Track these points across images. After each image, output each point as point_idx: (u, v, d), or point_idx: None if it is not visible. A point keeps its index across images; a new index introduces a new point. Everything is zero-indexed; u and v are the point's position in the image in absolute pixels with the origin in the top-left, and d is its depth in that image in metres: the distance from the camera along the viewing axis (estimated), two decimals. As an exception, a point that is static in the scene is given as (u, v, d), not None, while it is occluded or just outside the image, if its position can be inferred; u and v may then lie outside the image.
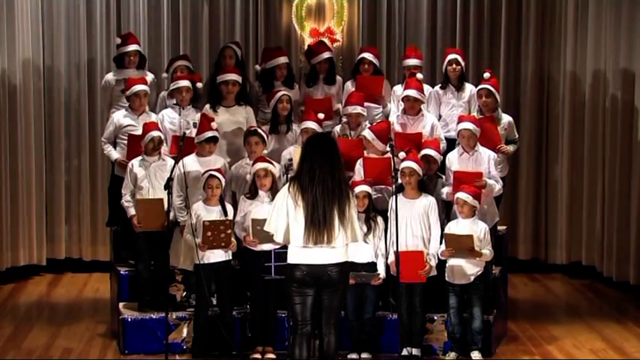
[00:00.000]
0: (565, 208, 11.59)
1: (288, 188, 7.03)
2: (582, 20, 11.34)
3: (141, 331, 8.72)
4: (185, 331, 8.75)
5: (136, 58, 9.99)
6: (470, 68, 11.24)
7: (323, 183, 6.93)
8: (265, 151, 9.02)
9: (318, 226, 6.92)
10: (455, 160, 8.95)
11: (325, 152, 7.03)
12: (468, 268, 8.51)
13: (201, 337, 8.60)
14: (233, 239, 8.49)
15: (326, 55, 10.10)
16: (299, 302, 7.08)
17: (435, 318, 8.79)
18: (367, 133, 8.98)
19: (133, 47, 9.98)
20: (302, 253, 7.01)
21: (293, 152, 9.04)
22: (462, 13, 11.52)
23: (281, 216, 7.00)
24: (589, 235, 11.47)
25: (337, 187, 6.97)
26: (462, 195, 8.51)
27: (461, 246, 8.39)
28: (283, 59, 10.04)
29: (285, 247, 7.17)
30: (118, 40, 10.19)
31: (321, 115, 9.27)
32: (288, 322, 8.25)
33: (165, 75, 10.21)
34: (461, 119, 9.05)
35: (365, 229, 8.46)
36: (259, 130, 9.04)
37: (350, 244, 7.05)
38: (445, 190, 8.86)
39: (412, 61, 9.98)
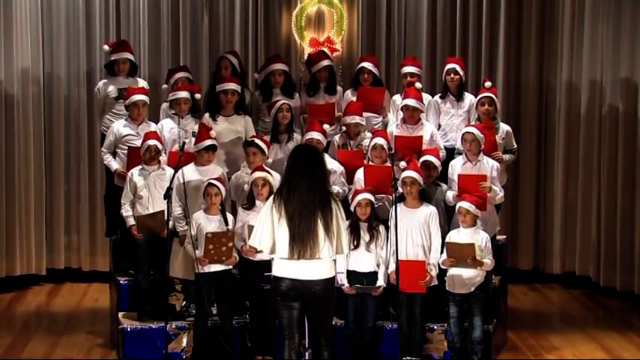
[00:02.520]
0: (559, 217, 11.62)
1: (273, 199, 7.02)
2: (578, 30, 11.39)
3: (140, 340, 8.71)
4: (185, 340, 8.74)
5: (125, 65, 9.99)
6: (469, 78, 11.26)
7: (306, 195, 6.90)
8: (269, 160, 9.04)
9: (301, 240, 6.90)
10: (458, 169, 8.98)
11: (309, 164, 7.01)
12: (469, 278, 8.51)
13: (201, 347, 8.61)
14: (234, 253, 8.49)
15: (325, 62, 10.11)
16: (285, 315, 7.10)
17: (435, 327, 8.78)
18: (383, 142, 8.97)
19: (122, 55, 9.98)
20: (286, 267, 7.00)
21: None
22: (462, 23, 11.54)
23: (266, 229, 6.98)
24: (583, 245, 11.48)
25: (321, 200, 6.93)
26: (464, 204, 8.52)
27: (462, 255, 8.38)
28: (278, 66, 10.05)
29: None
30: (106, 48, 10.22)
31: (326, 126, 9.29)
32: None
33: (165, 86, 10.21)
34: (466, 126, 9.13)
35: (367, 237, 8.47)
36: (256, 141, 9.01)
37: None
38: (450, 194, 8.87)
39: (409, 69, 9.96)
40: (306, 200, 6.89)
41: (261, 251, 7.17)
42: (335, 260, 7.09)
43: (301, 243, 6.88)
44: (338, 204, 7.10)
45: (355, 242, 8.47)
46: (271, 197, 7.10)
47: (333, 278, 7.15)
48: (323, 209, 6.92)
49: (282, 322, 7.12)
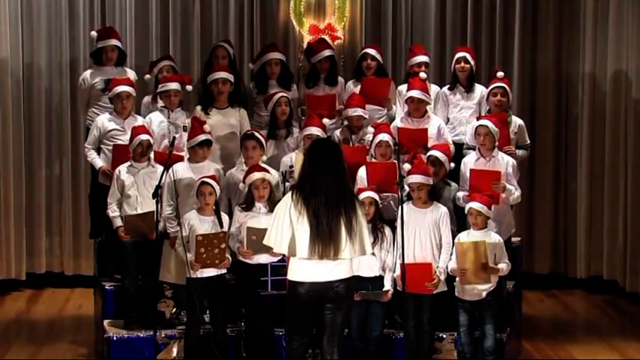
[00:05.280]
0: (584, 218, 11.63)
1: (291, 197, 7.04)
2: (602, 17, 11.42)
3: (127, 350, 8.73)
4: (175, 350, 8.75)
5: (114, 54, 10.00)
6: (482, 68, 11.21)
7: (327, 191, 6.95)
8: (264, 157, 9.02)
9: (323, 239, 6.94)
10: (471, 166, 8.93)
11: (329, 158, 7.06)
12: (480, 283, 8.48)
13: (192, 357, 8.59)
14: (227, 255, 8.49)
15: (327, 53, 10.10)
16: (298, 319, 7.13)
17: (444, 336, 8.79)
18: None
19: (110, 42, 9.97)
20: (305, 270, 7.02)
21: (294, 159, 9.06)
22: (474, 9, 11.56)
23: (285, 227, 7.00)
24: (611, 247, 11.49)
25: (342, 196, 6.98)
26: (475, 205, 8.50)
27: (474, 256, 8.30)
28: (274, 55, 10.05)
29: (282, 260, 7.19)
30: (94, 34, 10.20)
31: (326, 121, 9.29)
32: (286, 340, 8.21)
33: (148, 76, 10.17)
34: (479, 118, 9.13)
35: (371, 239, 8.30)
36: (257, 134, 9.01)
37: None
38: (461, 194, 8.86)
39: (422, 58, 9.95)
40: (333, 197, 6.96)
41: (270, 249, 7.19)
42: (353, 259, 7.13)
43: (323, 243, 6.93)
44: (359, 203, 7.19)
45: None
46: (288, 194, 7.14)
47: (353, 278, 7.19)
48: (347, 206, 6.99)
49: (292, 331, 7.18)
